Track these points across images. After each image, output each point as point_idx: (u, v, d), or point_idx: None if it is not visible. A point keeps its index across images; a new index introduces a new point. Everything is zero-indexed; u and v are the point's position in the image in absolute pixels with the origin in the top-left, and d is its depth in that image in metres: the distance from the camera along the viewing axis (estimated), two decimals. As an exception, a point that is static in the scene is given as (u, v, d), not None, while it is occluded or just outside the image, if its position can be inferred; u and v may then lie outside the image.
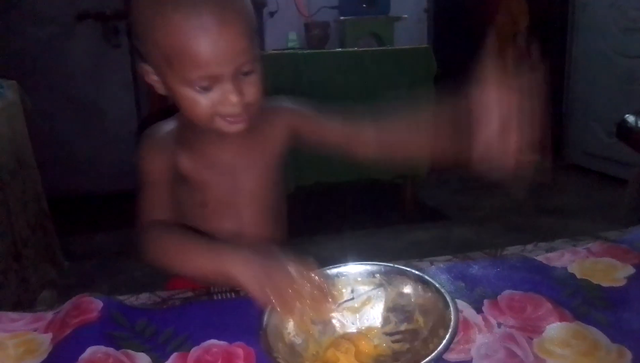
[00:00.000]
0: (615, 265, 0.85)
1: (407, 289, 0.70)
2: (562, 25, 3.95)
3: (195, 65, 0.71)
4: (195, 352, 0.67)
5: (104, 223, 3.09)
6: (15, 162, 1.96)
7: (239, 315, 0.73)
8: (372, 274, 0.73)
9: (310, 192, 2.75)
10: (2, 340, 0.71)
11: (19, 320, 0.75)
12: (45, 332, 0.72)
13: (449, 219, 3.09)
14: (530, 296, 0.76)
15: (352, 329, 0.70)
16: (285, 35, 3.55)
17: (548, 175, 0.74)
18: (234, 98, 0.74)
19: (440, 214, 3.18)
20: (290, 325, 0.66)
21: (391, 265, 0.73)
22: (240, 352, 0.67)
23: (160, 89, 0.79)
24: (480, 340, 0.68)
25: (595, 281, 0.81)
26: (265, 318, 0.63)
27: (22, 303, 1.82)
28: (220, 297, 0.80)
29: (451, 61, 3.60)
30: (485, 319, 0.72)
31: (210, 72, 0.72)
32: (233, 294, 0.80)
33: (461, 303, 0.75)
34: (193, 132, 0.83)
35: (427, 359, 0.56)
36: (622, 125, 2.09)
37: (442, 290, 0.66)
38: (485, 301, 0.76)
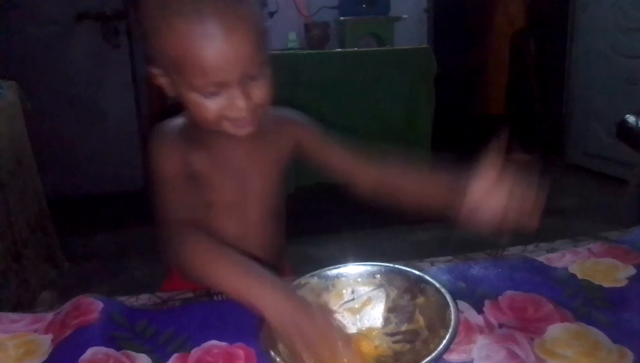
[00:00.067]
0: (616, 266, 0.85)
1: (407, 289, 0.70)
2: (562, 25, 3.95)
3: (201, 72, 0.71)
4: (195, 352, 0.67)
5: (103, 224, 3.08)
6: (15, 162, 1.96)
7: (240, 316, 0.73)
8: (372, 275, 0.73)
9: (310, 192, 2.74)
10: (2, 341, 0.71)
11: (19, 321, 0.75)
12: (46, 332, 0.72)
13: (450, 219, 3.08)
14: (531, 297, 0.76)
15: (353, 330, 0.70)
16: (285, 35, 3.55)
17: (534, 226, 0.78)
18: (241, 103, 0.74)
19: (441, 214, 3.17)
20: None
21: (391, 265, 0.73)
22: (240, 352, 0.67)
23: (168, 91, 0.78)
24: (482, 341, 0.68)
25: (596, 282, 0.81)
26: (265, 320, 0.63)
27: (22, 303, 1.82)
28: (220, 298, 0.80)
29: (451, 61, 3.61)
30: (486, 320, 0.72)
31: (217, 79, 0.72)
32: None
33: (462, 304, 0.75)
34: (203, 133, 0.82)
35: (427, 359, 0.56)
36: (623, 125, 2.09)
37: (443, 290, 0.66)
38: (486, 302, 0.76)
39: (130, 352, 0.67)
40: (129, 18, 3.40)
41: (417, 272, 0.71)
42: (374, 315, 0.71)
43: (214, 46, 0.69)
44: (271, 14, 3.65)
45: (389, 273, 0.72)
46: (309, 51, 3.19)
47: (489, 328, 0.70)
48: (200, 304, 0.79)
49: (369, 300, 0.72)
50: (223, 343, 0.68)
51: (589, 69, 3.78)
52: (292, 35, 3.54)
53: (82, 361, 0.64)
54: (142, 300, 0.81)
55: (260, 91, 0.76)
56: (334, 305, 0.73)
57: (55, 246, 2.24)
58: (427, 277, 0.69)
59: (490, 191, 0.71)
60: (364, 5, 3.56)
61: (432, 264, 0.89)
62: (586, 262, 0.86)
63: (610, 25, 3.54)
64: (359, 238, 2.72)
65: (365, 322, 0.71)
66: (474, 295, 0.77)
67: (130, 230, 3.00)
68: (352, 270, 0.74)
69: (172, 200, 0.80)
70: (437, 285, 0.68)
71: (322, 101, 2.83)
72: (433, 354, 0.57)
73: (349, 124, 2.97)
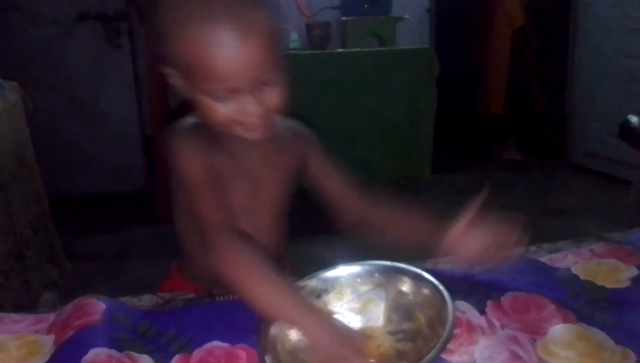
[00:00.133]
0: (619, 267, 0.85)
1: (406, 287, 0.71)
2: (565, 25, 3.94)
3: (213, 78, 0.71)
4: (197, 353, 0.67)
5: (105, 224, 3.09)
6: (17, 163, 1.96)
7: (242, 317, 0.73)
8: (371, 274, 0.73)
9: (311, 192, 2.74)
10: (4, 342, 0.71)
11: (21, 322, 0.75)
12: (48, 333, 0.72)
13: (452, 220, 3.08)
14: (534, 298, 0.76)
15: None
16: (286, 35, 3.55)
17: (511, 260, 0.82)
18: (252, 108, 0.74)
19: (443, 215, 3.17)
20: (293, 331, 0.66)
21: (389, 263, 0.73)
22: (242, 353, 0.67)
23: (182, 92, 0.78)
24: (484, 342, 0.67)
25: (599, 283, 0.81)
26: (264, 323, 0.63)
27: (24, 304, 1.82)
28: (222, 299, 0.80)
29: (453, 61, 3.61)
30: (488, 321, 0.72)
31: (229, 85, 0.72)
32: (235, 296, 0.80)
33: (464, 305, 0.74)
34: (219, 134, 0.81)
35: (424, 360, 0.56)
36: (626, 125, 2.08)
37: (440, 287, 0.66)
38: (489, 303, 0.75)
39: (132, 352, 0.67)
40: (131, 19, 3.41)
41: (415, 269, 0.71)
42: (376, 314, 0.71)
43: (226, 52, 0.69)
44: (272, 15, 3.64)
45: (387, 272, 0.73)
46: (310, 51, 3.18)
47: (491, 329, 0.70)
48: (202, 305, 0.79)
49: (369, 299, 0.72)
50: (225, 344, 0.68)
51: (591, 69, 3.77)
52: (294, 36, 3.53)
53: (84, 362, 0.64)
54: (144, 300, 0.81)
55: (272, 96, 0.75)
56: (334, 306, 0.73)
57: (57, 246, 2.24)
58: (424, 274, 0.69)
59: (465, 239, 0.76)
60: (366, 6, 3.56)
61: (435, 264, 0.88)
62: (589, 263, 0.86)
63: (613, 25, 3.53)
64: (360, 239, 2.72)
65: (367, 321, 0.71)
66: (476, 296, 0.77)
67: (132, 231, 3.01)
68: (351, 269, 0.74)
69: (209, 204, 0.79)
70: (435, 281, 0.68)
71: (324, 101, 2.83)
72: (429, 355, 0.57)
73: (351, 125, 2.98)
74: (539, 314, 0.72)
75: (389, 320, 0.70)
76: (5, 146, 1.88)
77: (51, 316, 0.76)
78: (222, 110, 0.74)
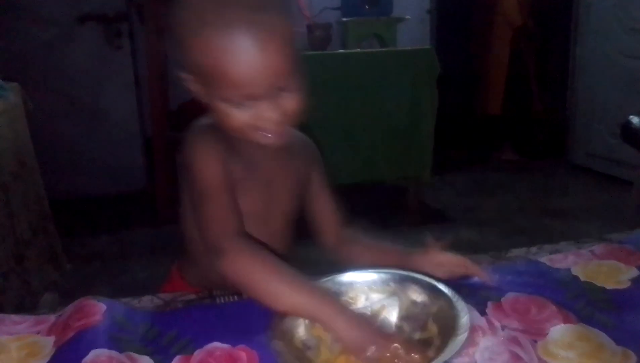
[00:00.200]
0: (619, 267, 0.85)
1: (421, 297, 0.70)
2: (566, 25, 3.94)
3: (231, 85, 0.70)
4: (198, 354, 0.67)
5: (105, 225, 3.09)
6: (17, 164, 1.96)
7: (242, 318, 0.73)
8: (386, 282, 0.73)
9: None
10: (5, 343, 0.71)
11: (22, 323, 0.75)
12: (48, 334, 0.72)
13: (453, 221, 3.09)
14: (534, 299, 0.76)
15: None
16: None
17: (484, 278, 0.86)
18: (270, 115, 0.73)
19: (444, 216, 3.18)
20: (302, 330, 0.66)
21: (405, 272, 0.73)
22: (243, 355, 0.67)
23: (199, 96, 0.77)
24: (484, 343, 0.67)
25: (599, 284, 0.81)
26: (275, 320, 0.63)
27: (25, 305, 1.82)
28: (223, 300, 0.80)
29: (454, 61, 3.61)
30: (489, 322, 0.72)
31: (247, 92, 0.71)
32: (236, 297, 0.80)
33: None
34: (235, 139, 0.80)
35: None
36: (627, 126, 2.09)
37: (456, 299, 0.66)
38: (489, 304, 0.75)
39: (132, 353, 0.67)
40: (131, 20, 3.41)
41: (429, 279, 0.71)
42: (387, 323, 0.71)
43: (246, 60, 0.69)
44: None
45: (402, 281, 0.72)
46: (311, 52, 3.18)
47: (491, 330, 0.70)
48: (202, 306, 0.79)
49: (382, 308, 0.72)
50: (225, 345, 0.68)
51: (592, 69, 3.78)
52: (294, 37, 3.54)
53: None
54: (145, 301, 0.81)
55: (290, 102, 0.75)
56: None
57: (57, 247, 2.24)
58: (439, 285, 0.69)
59: (436, 258, 0.84)
60: (367, 6, 3.56)
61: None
62: (589, 264, 0.86)
63: (614, 26, 3.53)
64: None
65: None
66: (476, 297, 0.77)
67: (132, 231, 3.01)
68: (366, 277, 0.73)
69: (219, 207, 0.78)
70: (450, 292, 0.67)
71: (324, 102, 2.82)
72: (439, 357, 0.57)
73: (352, 125, 2.97)
74: (539, 315, 0.72)
75: (400, 330, 0.70)
76: (5, 146, 1.88)
77: (52, 318, 0.76)
78: (240, 116, 0.74)
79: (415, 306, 0.70)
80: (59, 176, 3.02)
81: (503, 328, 0.70)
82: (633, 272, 0.83)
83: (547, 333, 0.69)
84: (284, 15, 0.73)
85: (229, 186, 0.79)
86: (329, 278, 0.73)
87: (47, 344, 0.70)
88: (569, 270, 0.85)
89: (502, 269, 0.85)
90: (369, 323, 0.67)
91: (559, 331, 0.69)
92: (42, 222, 2.13)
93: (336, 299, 0.70)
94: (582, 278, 0.82)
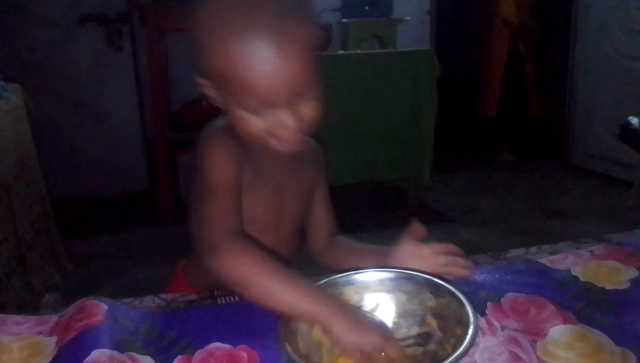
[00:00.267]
0: (618, 268, 0.85)
1: (417, 293, 0.70)
2: (565, 26, 3.95)
3: (250, 92, 0.70)
4: (199, 355, 0.67)
5: (107, 226, 3.09)
6: (19, 165, 1.97)
7: (243, 318, 0.73)
8: (381, 281, 0.73)
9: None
10: (7, 343, 0.71)
11: (24, 324, 0.76)
12: (50, 335, 0.72)
13: (453, 221, 3.09)
14: (534, 299, 0.76)
15: None
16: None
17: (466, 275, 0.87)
18: (289, 122, 0.73)
19: (444, 216, 3.18)
20: (301, 336, 0.65)
21: (400, 270, 0.73)
22: (244, 355, 0.67)
23: (217, 103, 0.77)
24: (484, 343, 0.68)
25: (598, 284, 0.81)
26: (281, 323, 0.64)
27: (26, 306, 1.82)
28: (224, 300, 0.81)
29: (454, 62, 3.62)
30: (488, 322, 0.72)
31: (266, 99, 0.71)
32: (237, 297, 0.80)
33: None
34: (249, 145, 0.80)
35: (457, 353, 0.57)
36: (626, 127, 2.09)
37: (454, 291, 0.66)
38: (489, 304, 0.76)
39: (134, 354, 0.67)
40: (132, 21, 3.41)
41: (425, 275, 0.71)
42: (384, 321, 0.71)
43: (266, 68, 0.68)
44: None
45: (397, 279, 0.72)
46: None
47: (491, 330, 0.70)
48: (204, 306, 0.80)
49: (378, 306, 0.72)
50: (226, 346, 0.68)
51: (591, 70, 3.78)
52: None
53: (86, 363, 0.65)
54: (146, 302, 0.81)
55: (309, 109, 0.74)
56: None
57: (59, 248, 2.25)
58: (436, 279, 0.69)
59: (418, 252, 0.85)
60: (367, 8, 3.57)
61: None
62: (588, 264, 0.86)
63: (614, 26, 3.53)
64: (363, 241, 2.72)
65: None
66: (476, 297, 0.77)
67: (134, 232, 3.01)
68: (362, 276, 0.74)
69: (223, 210, 0.77)
70: (448, 285, 0.68)
71: (325, 103, 2.83)
72: (459, 351, 0.57)
73: (352, 126, 2.98)
74: (539, 315, 0.72)
75: (397, 326, 0.70)
76: (7, 148, 1.88)
77: (53, 318, 0.76)
78: (257, 123, 0.73)
79: (412, 302, 0.70)
80: (61, 176, 3.03)
81: (503, 328, 0.71)
82: (632, 273, 0.83)
83: (546, 334, 0.69)
84: (307, 22, 0.72)
85: (237, 188, 0.79)
86: (325, 280, 0.73)
87: (49, 344, 0.70)
88: (568, 270, 0.85)
89: (501, 269, 0.85)
90: (368, 322, 0.65)
91: (559, 331, 0.69)
92: (44, 223, 2.13)
93: (334, 298, 0.68)
94: (581, 279, 0.82)
